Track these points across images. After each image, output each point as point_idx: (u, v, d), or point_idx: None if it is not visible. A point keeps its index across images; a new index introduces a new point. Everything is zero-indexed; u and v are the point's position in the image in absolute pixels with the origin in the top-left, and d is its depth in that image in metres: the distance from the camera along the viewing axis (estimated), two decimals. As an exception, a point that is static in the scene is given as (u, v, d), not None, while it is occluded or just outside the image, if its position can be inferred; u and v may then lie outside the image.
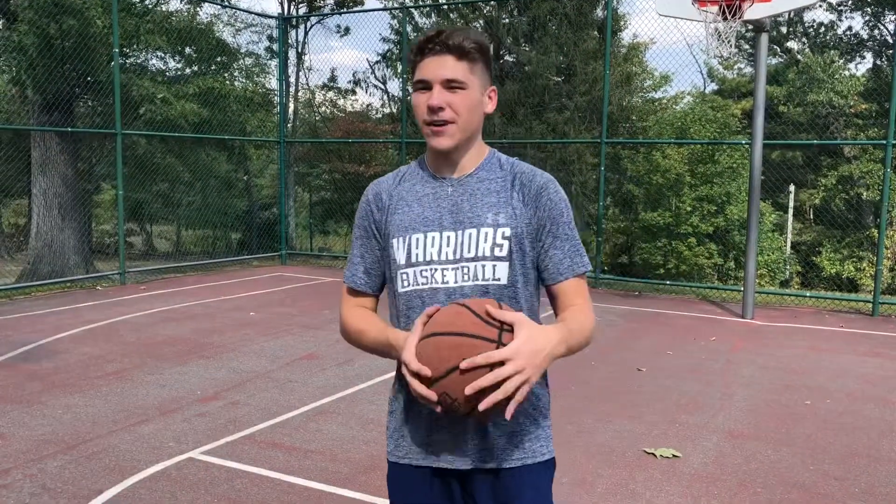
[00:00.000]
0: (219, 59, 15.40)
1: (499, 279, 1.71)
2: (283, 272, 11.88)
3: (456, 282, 1.71)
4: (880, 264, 8.93)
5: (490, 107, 1.78)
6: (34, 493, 3.69)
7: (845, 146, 15.82)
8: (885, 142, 8.55)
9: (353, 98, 20.76)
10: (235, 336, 7.12)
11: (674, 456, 4.31)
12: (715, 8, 7.15)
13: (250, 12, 15.32)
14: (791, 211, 16.61)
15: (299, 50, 19.93)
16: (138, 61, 13.20)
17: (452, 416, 1.62)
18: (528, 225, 1.73)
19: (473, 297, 1.67)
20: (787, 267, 15.44)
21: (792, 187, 16.57)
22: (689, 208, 12.47)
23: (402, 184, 1.83)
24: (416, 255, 1.74)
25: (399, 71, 18.67)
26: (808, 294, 9.98)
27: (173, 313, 8.20)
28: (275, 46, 15.64)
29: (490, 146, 1.84)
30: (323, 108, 20.79)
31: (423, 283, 1.74)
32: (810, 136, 16.45)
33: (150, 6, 12.26)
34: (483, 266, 1.71)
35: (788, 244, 16.29)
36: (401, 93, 15.45)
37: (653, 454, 4.33)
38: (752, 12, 7.13)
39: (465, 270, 1.71)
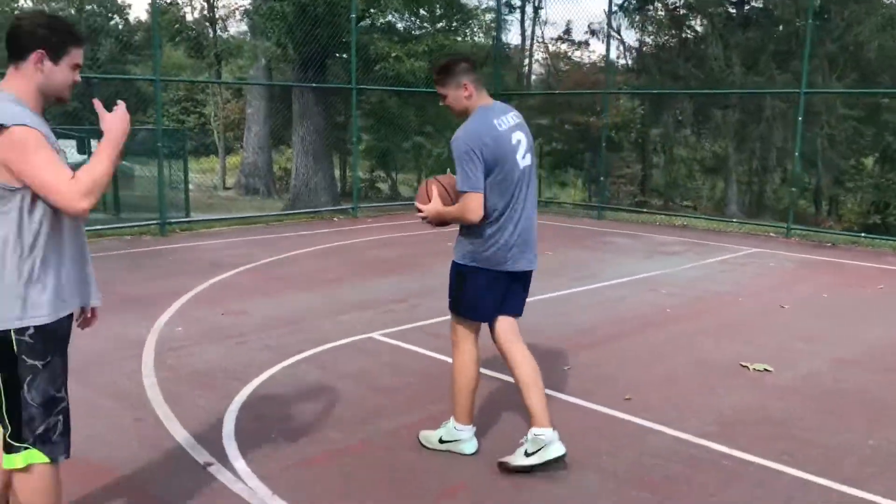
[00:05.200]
0: (457, 16, 16.76)
1: None
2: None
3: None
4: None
5: (465, 93, 3.30)
6: (261, 349, 5.20)
7: None
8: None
9: (590, 50, 21.28)
10: (430, 260, 8.44)
11: (765, 370, 4.85)
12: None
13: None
14: None
15: (536, 4, 20.80)
16: (383, 21, 14.90)
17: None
18: None
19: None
20: None
21: None
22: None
23: None
24: None
25: (636, 21, 18.88)
26: None
27: (388, 241, 9.77)
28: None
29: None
30: (556, 61, 21.55)
31: None
32: None
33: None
34: None
35: None
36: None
37: (747, 367, 4.90)
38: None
39: None
